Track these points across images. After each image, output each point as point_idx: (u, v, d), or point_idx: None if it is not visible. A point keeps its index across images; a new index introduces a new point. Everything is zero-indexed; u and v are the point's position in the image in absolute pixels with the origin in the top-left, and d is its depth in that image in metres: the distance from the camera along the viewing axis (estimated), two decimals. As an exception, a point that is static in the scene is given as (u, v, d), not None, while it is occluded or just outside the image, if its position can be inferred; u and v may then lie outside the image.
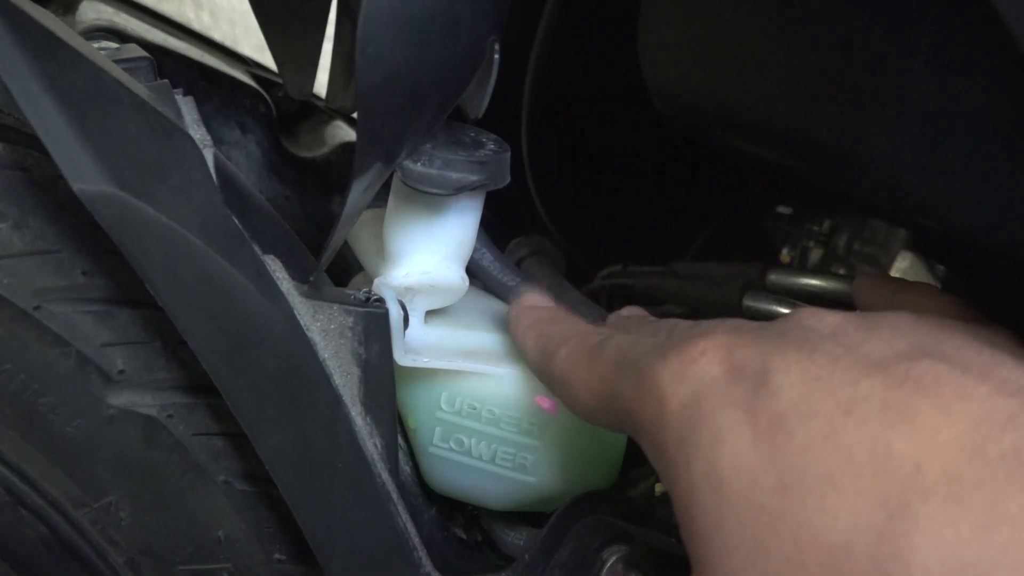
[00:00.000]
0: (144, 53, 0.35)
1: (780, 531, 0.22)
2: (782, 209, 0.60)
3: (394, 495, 0.36)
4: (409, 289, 0.39)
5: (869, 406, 0.22)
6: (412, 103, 0.32)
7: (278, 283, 0.33)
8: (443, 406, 0.40)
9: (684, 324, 0.32)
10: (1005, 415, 0.21)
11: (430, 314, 0.40)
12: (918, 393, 0.22)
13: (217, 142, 0.35)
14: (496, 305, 0.46)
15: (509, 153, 0.38)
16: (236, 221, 0.32)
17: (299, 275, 0.34)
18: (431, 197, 0.37)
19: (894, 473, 0.21)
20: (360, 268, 0.44)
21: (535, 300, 0.41)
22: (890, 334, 0.25)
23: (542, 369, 0.35)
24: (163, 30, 0.62)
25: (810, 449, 0.22)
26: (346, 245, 0.46)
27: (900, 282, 0.35)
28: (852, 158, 0.34)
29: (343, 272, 0.51)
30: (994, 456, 0.20)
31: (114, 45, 0.40)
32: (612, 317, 0.41)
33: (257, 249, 0.33)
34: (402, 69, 0.30)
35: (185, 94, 0.35)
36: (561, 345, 0.34)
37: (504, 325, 0.44)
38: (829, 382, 0.23)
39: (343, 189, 0.36)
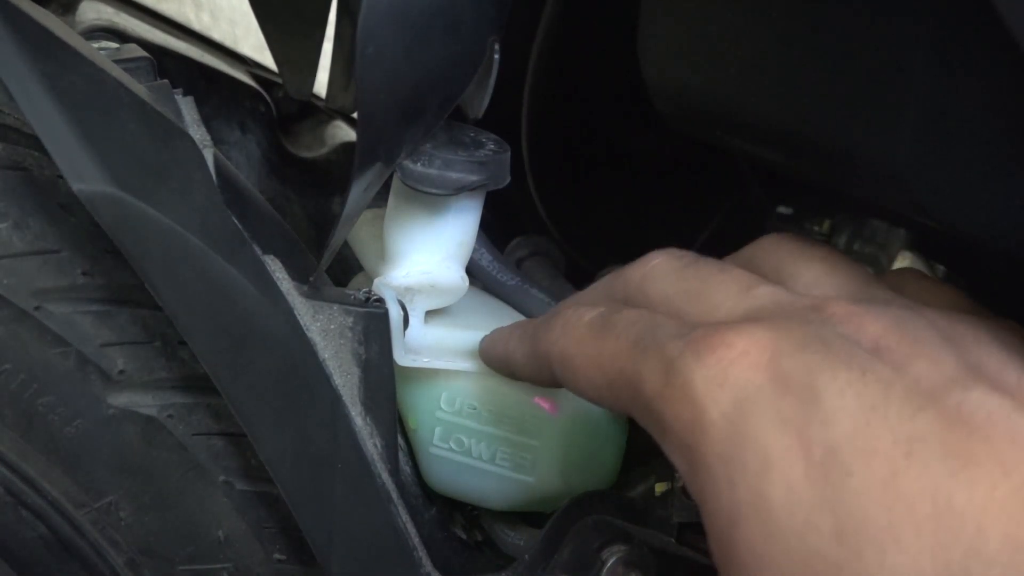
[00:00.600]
0: (144, 53, 0.35)
1: None
2: (782, 209, 0.59)
3: (394, 495, 0.36)
4: (409, 289, 0.39)
5: (928, 449, 0.21)
6: (412, 103, 0.32)
7: (278, 283, 0.33)
8: (443, 406, 0.40)
9: (687, 283, 0.29)
10: None
11: (430, 314, 0.40)
12: (974, 436, 0.21)
13: (217, 142, 0.35)
14: (496, 305, 0.46)
15: (509, 153, 0.38)
16: (236, 221, 0.32)
17: (299, 275, 0.34)
18: (431, 197, 0.37)
19: (956, 533, 0.20)
20: (360, 268, 0.44)
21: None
22: (935, 348, 0.24)
23: (535, 354, 0.32)
24: (163, 30, 0.62)
25: (869, 494, 0.21)
26: (346, 245, 0.46)
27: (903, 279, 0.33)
28: (852, 158, 0.34)
29: (343, 272, 0.51)
30: None
31: (114, 45, 0.40)
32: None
33: (257, 249, 0.33)
34: (402, 69, 0.30)
35: (185, 94, 0.35)
36: (553, 320, 0.31)
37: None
38: (886, 414, 0.22)
39: (343, 189, 0.36)
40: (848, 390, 0.23)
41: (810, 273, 0.29)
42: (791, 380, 0.23)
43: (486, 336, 0.38)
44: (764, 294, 0.28)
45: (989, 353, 0.25)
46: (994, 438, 0.21)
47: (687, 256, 0.32)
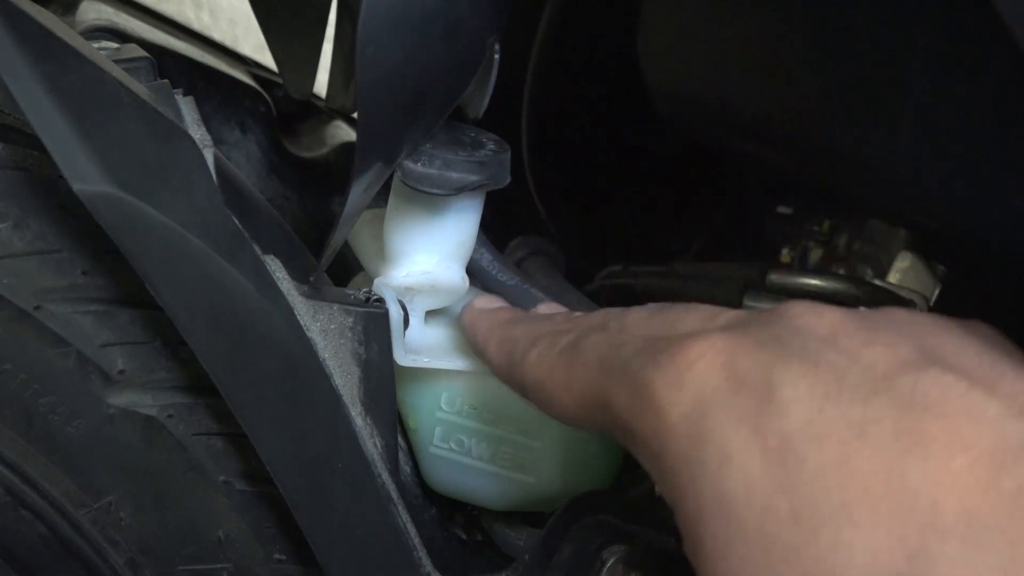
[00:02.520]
0: (144, 53, 0.35)
1: (793, 564, 0.21)
2: (782, 209, 0.60)
3: (394, 495, 0.36)
4: (409, 289, 0.39)
5: (881, 429, 0.22)
6: (412, 103, 0.32)
7: (278, 283, 0.33)
8: (443, 406, 0.40)
9: (660, 315, 0.30)
10: (1018, 441, 0.21)
11: (430, 314, 0.40)
12: (928, 413, 0.22)
13: (217, 142, 0.35)
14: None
15: (509, 153, 0.38)
16: (236, 221, 0.32)
17: (299, 275, 0.34)
18: (431, 197, 0.37)
19: (911, 509, 0.20)
20: (360, 268, 0.44)
21: (487, 303, 0.39)
22: (890, 336, 0.25)
23: (510, 376, 0.34)
24: (163, 30, 0.62)
25: (823, 476, 0.22)
26: (346, 245, 0.46)
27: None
28: (852, 158, 0.34)
29: (343, 272, 0.51)
30: (1010, 490, 0.20)
31: (114, 45, 0.40)
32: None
33: (257, 249, 0.33)
34: (402, 69, 0.30)
35: (185, 94, 0.35)
36: (529, 348, 0.32)
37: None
38: (838, 400, 0.22)
39: (343, 189, 0.36)
40: (801, 381, 0.23)
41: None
42: (746, 377, 0.24)
43: (465, 311, 0.38)
44: (727, 316, 0.29)
45: (948, 340, 0.25)
46: (949, 415, 0.22)
47: (655, 307, 0.33)
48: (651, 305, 0.35)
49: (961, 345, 0.25)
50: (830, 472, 0.22)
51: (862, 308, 0.28)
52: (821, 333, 0.25)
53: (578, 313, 0.37)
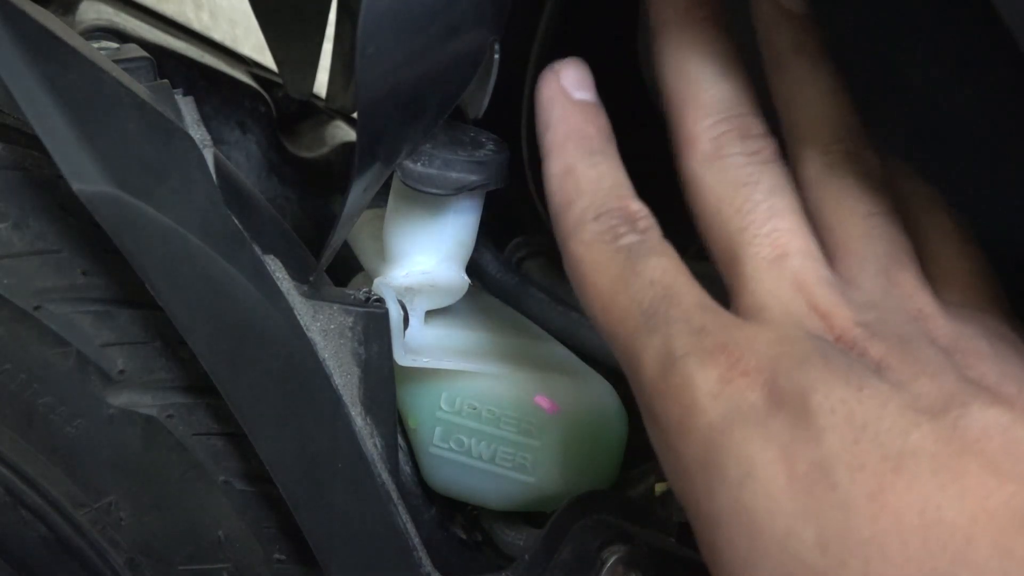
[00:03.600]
0: (144, 53, 0.35)
1: None
2: (782, 209, 0.59)
3: (394, 495, 0.36)
4: (409, 289, 0.39)
5: (918, 464, 0.21)
6: (412, 103, 0.32)
7: (278, 283, 0.33)
8: (443, 406, 0.40)
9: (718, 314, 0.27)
10: None
11: (430, 314, 0.40)
12: (968, 450, 0.21)
13: (217, 142, 0.35)
14: (496, 305, 0.46)
15: (509, 153, 0.38)
16: (236, 221, 0.32)
17: (299, 275, 0.34)
18: (431, 197, 0.37)
19: (944, 544, 0.20)
20: (360, 268, 0.44)
21: (577, 78, 0.32)
22: (936, 366, 0.24)
23: (556, 224, 0.30)
24: (163, 30, 0.62)
25: (854, 507, 0.21)
26: (346, 245, 0.46)
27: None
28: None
29: (343, 272, 0.51)
30: None
31: (114, 45, 0.40)
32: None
33: (257, 249, 0.33)
34: (402, 69, 0.30)
35: (185, 94, 0.35)
36: (589, 218, 0.29)
37: (504, 326, 0.44)
38: (877, 431, 0.22)
39: (343, 189, 0.36)
40: (840, 408, 0.23)
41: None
42: (785, 398, 0.23)
43: (547, 89, 0.32)
44: (794, 264, 0.27)
45: (991, 366, 0.25)
46: (988, 451, 0.21)
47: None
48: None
49: (1003, 370, 0.24)
50: (861, 503, 0.21)
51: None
52: (869, 361, 0.24)
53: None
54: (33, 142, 0.33)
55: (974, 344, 0.25)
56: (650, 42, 0.32)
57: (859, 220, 0.28)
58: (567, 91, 0.32)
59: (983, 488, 0.21)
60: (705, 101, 0.30)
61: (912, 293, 0.27)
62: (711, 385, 0.24)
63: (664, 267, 0.28)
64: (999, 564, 0.20)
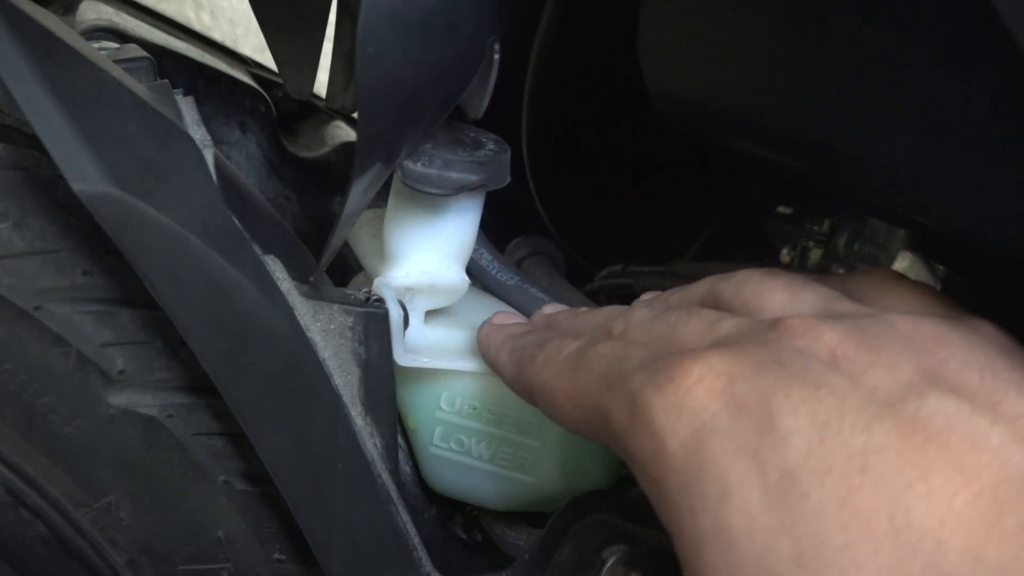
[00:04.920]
0: (144, 53, 0.35)
1: None
2: (782, 209, 0.60)
3: (394, 495, 0.36)
4: (409, 289, 0.39)
5: (883, 461, 0.21)
6: (412, 103, 0.32)
7: (278, 283, 0.33)
8: (443, 406, 0.40)
9: (662, 319, 0.30)
10: (1021, 472, 0.21)
11: (430, 314, 0.40)
12: (930, 443, 0.21)
13: (217, 142, 0.35)
14: (496, 305, 0.46)
15: (509, 153, 0.38)
16: (236, 221, 0.32)
17: (299, 275, 0.34)
18: (431, 197, 0.37)
19: (915, 549, 0.20)
20: (360, 268, 0.44)
21: (504, 318, 0.39)
22: (891, 356, 0.24)
23: (519, 381, 0.34)
24: (163, 30, 0.62)
25: (826, 515, 0.21)
26: (346, 245, 0.46)
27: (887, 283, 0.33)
28: (852, 158, 0.34)
29: (343, 272, 0.51)
30: (1014, 528, 0.20)
31: (114, 45, 0.40)
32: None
33: (257, 249, 0.33)
34: (402, 69, 0.30)
35: (185, 94, 0.35)
36: (537, 352, 0.32)
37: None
38: (840, 428, 0.22)
39: (343, 189, 0.36)
40: (802, 408, 0.23)
41: (775, 303, 0.30)
42: (746, 404, 0.24)
43: (484, 327, 0.38)
44: (727, 325, 0.28)
45: (951, 352, 0.25)
46: (952, 443, 0.21)
47: (658, 305, 0.33)
48: (655, 302, 0.35)
49: (964, 358, 0.24)
50: (832, 510, 0.21)
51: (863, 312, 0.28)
52: (821, 354, 0.25)
53: (583, 309, 0.37)
54: (33, 142, 0.33)
55: (935, 332, 0.26)
56: None
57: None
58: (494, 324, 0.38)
59: (950, 486, 0.21)
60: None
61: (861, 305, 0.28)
62: (671, 405, 0.25)
63: (608, 345, 0.30)
64: (970, 569, 0.20)
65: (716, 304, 0.32)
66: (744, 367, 0.24)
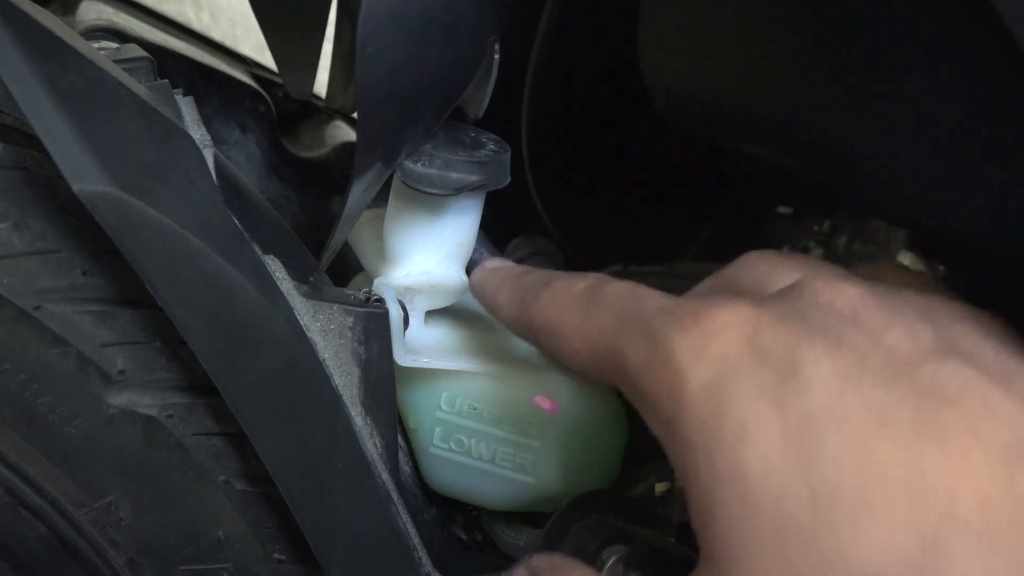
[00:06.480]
0: (144, 53, 0.35)
1: (810, 548, 0.21)
2: (782, 209, 0.60)
3: (394, 495, 0.36)
4: (409, 289, 0.39)
5: (901, 417, 0.22)
6: (412, 103, 0.32)
7: (278, 283, 0.33)
8: (443, 406, 0.40)
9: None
10: None
11: (430, 314, 0.40)
12: (947, 404, 0.22)
13: (217, 142, 0.35)
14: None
15: (509, 153, 0.38)
16: (236, 221, 0.32)
17: (299, 275, 0.34)
18: (431, 197, 0.37)
19: (928, 498, 0.20)
20: (360, 268, 0.44)
21: (497, 262, 0.38)
22: (910, 320, 0.24)
23: (521, 319, 0.33)
24: (163, 30, 0.62)
25: (843, 461, 0.21)
26: (346, 245, 0.46)
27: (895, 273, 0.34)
28: (852, 158, 0.34)
29: (343, 272, 0.51)
30: (1023, 491, 0.20)
31: (114, 45, 0.40)
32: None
33: (257, 249, 0.33)
34: (402, 69, 0.30)
35: (185, 94, 0.35)
36: (542, 289, 0.31)
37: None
38: (860, 383, 0.22)
39: (343, 189, 0.36)
40: (824, 360, 0.23)
41: (790, 278, 0.30)
42: (770, 351, 0.24)
43: (476, 271, 0.37)
44: (746, 295, 0.28)
45: (966, 331, 0.25)
46: (967, 406, 0.22)
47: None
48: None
49: (978, 337, 0.25)
50: (849, 457, 0.21)
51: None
52: (843, 310, 0.25)
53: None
54: (33, 142, 0.33)
55: (949, 313, 0.26)
56: None
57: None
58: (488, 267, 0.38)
59: (964, 443, 0.21)
60: None
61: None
62: (695, 348, 0.25)
63: (623, 285, 0.29)
64: (981, 522, 0.20)
65: (729, 286, 0.32)
66: (769, 317, 0.25)
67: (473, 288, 0.37)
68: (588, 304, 0.29)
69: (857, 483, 0.21)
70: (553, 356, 0.31)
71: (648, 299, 0.28)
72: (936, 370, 0.22)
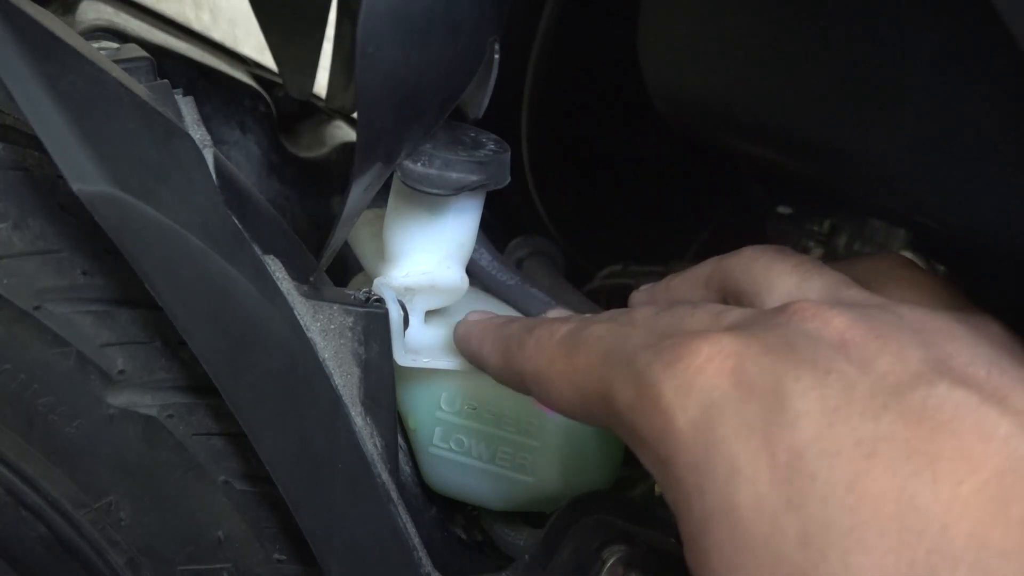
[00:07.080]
0: (144, 53, 0.35)
1: None
2: (782, 209, 0.60)
3: (394, 495, 0.36)
4: (409, 289, 0.39)
5: (892, 448, 0.21)
6: (412, 103, 0.32)
7: (278, 283, 0.33)
8: (443, 406, 0.40)
9: (667, 312, 0.29)
10: None
11: (430, 314, 0.40)
12: (938, 431, 0.21)
13: (217, 142, 0.35)
14: (496, 305, 0.46)
15: (509, 153, 0.38)
16: (236, 221, 0.32)
17: (299, 275, 0.34)
18: (431, 197, 0.37)
19: (921, 533, 0.20)
20: (360, 268, 0.44)
21: (481, 315, 0.38)
22: (900, 344, 0.24)
23: (508, 368, 0.33)
24: (163, 30, 0.62)
25: (833, 497, 0.21)
26: (346, 245, 0.46)
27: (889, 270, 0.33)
28: (852, 158, 0.34)
29: (343, 272, 0.51)
30: (1018, 517, 0.20)
31: (114, 45, 0.40)
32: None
33: (257, 249, 0.33)
34: (402, 69, 0.30)
35: (185, 94, 0.35)
36: (526, 337, 0.31)
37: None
38: (849, 414, 0.22)
39: (343, 189, 0.36)
40: (811, 392, 0.23)
41: (784, 286, 0.30)
42: (756, 385, 0.23)
43: (460, 324, 0.37)
44: (734, 315, 0.28)
45: (959, 347, 0.25)
46: (960, 432, 0.21)
47: (662, 297, 0.33)
48: (656, 291, 0.35)
49: (972, 353, 0.24)
50: (840, 493, 0.21)
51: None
52: (831, 339, 0.25)
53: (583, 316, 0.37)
54: (33, 142, 0.33)
55: (944, 325, 0.26)
56: None
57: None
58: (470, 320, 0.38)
59: (956, 473, 0.21)
60: None
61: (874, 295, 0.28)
62: (679, 386, 0.24)
63: (604, 325, 0.29)
64: (975, 554, 0.20)
65: (723, 281, 0.32)
66: (754, 348, 0.24)
67: (457, 342, 0.37)
68: (571, 348, 0.29)
69: (847, 518, 0.21)
70: (546, 404, 0.31)
71: (631, 337, 0.27)
72: (927, 395, 0.22)
